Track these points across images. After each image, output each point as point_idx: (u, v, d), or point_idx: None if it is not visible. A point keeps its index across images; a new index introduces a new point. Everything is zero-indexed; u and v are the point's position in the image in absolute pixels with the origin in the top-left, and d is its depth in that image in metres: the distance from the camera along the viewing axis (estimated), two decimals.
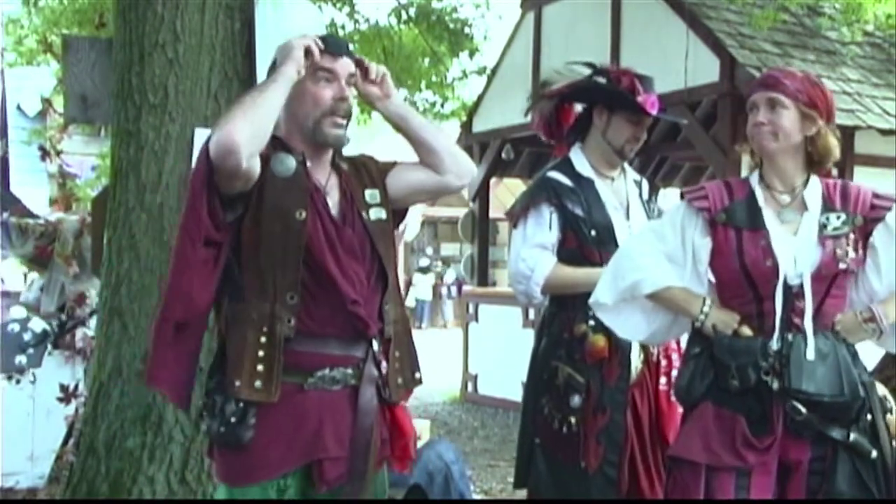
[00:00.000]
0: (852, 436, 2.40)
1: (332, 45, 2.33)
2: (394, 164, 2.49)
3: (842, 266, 2.45)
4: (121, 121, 4.02)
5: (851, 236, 2.48)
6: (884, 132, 7.11)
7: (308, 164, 2.32)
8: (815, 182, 2.56)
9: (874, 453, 2.42)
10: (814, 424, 2.40)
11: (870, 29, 8.18)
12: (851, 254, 2.47)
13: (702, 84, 7.30)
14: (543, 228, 3.06)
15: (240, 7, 4.08)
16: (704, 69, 7.29)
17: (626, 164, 3.25)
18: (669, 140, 8.94)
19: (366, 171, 2.43)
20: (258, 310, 2.22)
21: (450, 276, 21.34)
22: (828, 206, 2.52)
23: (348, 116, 2.34)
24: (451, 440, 6.49)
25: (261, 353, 2.20)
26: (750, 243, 2.46)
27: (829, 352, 2.42)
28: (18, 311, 5.15)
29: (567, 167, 3.15)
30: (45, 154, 5.73)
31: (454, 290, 20.46)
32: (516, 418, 8.02)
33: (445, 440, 5.27)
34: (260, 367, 2.19)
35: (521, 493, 3.31)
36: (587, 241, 3.05)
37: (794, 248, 2.46)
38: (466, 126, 10.17)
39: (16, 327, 4.92)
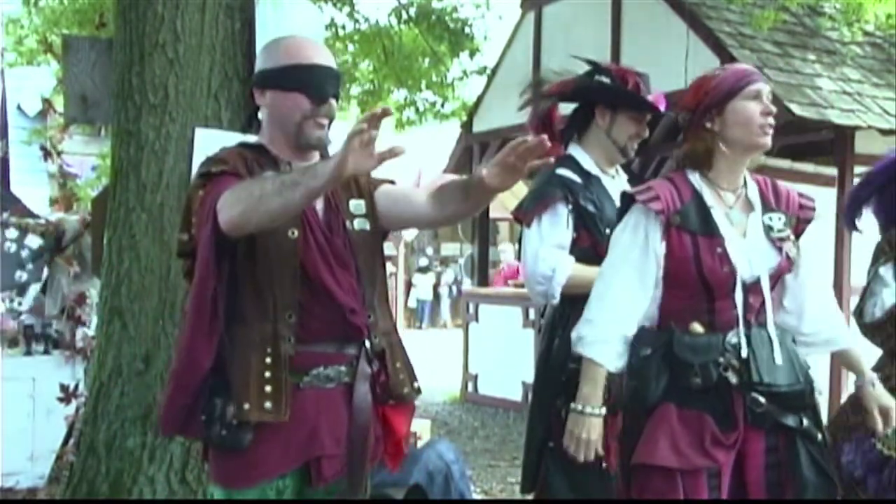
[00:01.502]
0: (804, 422, 2.44)
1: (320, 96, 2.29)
2: (384, 181, 2.42)
3: (794, 268, 2.52)
4: (121, 121, 4.02)
5: (792, 237, 2.52)
6: (884, 132, 7.12)
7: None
8: (751, 181, 2.56)
9: (820, 436, 2.47)
10: (773, 415, 2.41)
11: (870, 29, 8.18)
12: (795, 254, 2.52)
13: None
14: (560, 228, 3.02)
15: (240, 7, 4.08)
16: (704, 69, 7.27)
17: (618, 165, 3.24)
18: (669, 140, 8.92)
19: (354, 181, 2.37)
20: (261, 331, 2.21)
21: (448, 275, 21.34)
22: (767, 205, 2.53)
23: (330, 118, 2.30)
24: (451, 440, 6.48)
25: (267, 375, 2.18)
26: (706, 251, 2.43)
27: (780, 342, 2.47)
28: (11, 232, 5.18)
29: (573, 164, 3.12)
30: (46, 154, 5.73)
31: (454, 289, 20.46)
32: (516, 418, 8.11)
33: (445, 440, 5.28)
34: (268, 388, 2.17)
35: (521, 494, 3.29)
36: (602, 238, 3.00)
37: (747, 251, 2.46)
38: (466, 126, 10.17)
39: (12, 246, 4.95)
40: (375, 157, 1.96)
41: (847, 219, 3.30)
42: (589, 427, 2.47)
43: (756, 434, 2.43)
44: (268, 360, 2.19)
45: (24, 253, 4.95)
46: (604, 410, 2.48)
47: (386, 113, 1.95)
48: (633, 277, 2.46)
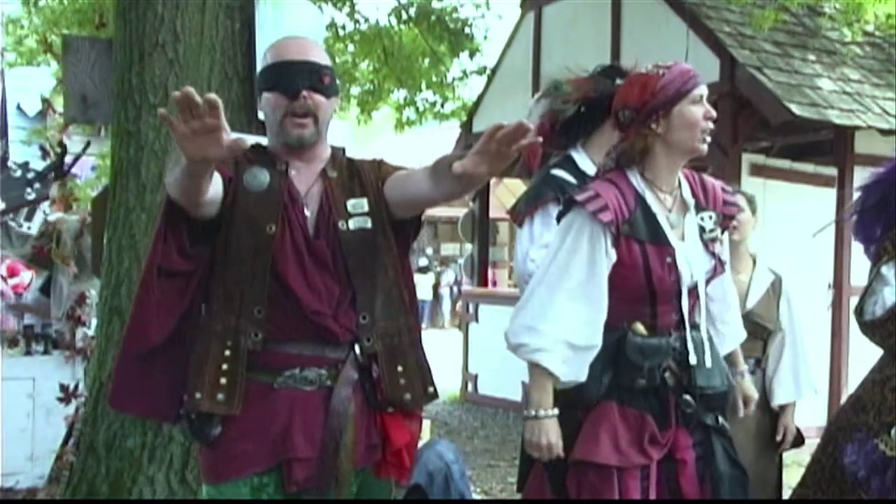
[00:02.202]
0: (720, 420, 2.54)
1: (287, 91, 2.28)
2: (395, 169, 2.38)
3: (724, 269, 2.57)
4: (121, 121, 4.02)
5: (720, 236, 2.56)
6: (884, 132, 7.11)
7: (293, 172, 2.29)
8: (682, 179, 2.57)
9: (729, 430, 2.59)
10: (698, 414, 2.48)
11: (870, 29, 8.17)
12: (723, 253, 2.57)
13: None
14: (551, 228, 3.02)
15: (240, 7, 4.08)
16: (704, 69, 7.24)
17: None
18: None
19: (359, 179, 2.35)
20: (223, 322, 2.21)
21: (448, 276, 21.34)
22: (698, 204, 2.54)
23: (309, 114, 2.27)
24: (451, 440, 6.48)
25: (224, 367, 2.19)
26: (656, 260, 2.44)
27: (709, 345, 2.54)
28: (18, 157, 5.25)
29: (571, 165, 3.12)
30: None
31: (454, 289, 20.46)
32: (516, 418, 8.11)
33: (445, 440, 5.27)
34: (223, 381, 2.18)
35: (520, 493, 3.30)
36: None
37: (687, 255, 2.48)
38: (466, 126, 10.17)
39: (18, 171, 5.01)
40: (224, 145, 1.89)
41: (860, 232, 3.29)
42: (547, 430, 2.41)
43: (684, 432, 2.49)
44: (227, 352, 2.19)
45: (30, 175, 5.03)
46: (556, 412, 2.44)
47: (187, 98, 1.81)
48: (578, 292, 2.40)
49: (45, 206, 5.46)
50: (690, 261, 2.48)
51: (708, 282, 2.55)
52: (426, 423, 5.30)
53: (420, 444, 4.75)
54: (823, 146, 7.64)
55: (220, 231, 2.23)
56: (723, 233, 2.59)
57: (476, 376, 9.70)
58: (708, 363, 2.49)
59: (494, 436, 7.92)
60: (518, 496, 3.12)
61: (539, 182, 3.14)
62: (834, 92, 7.26)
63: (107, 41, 4.46)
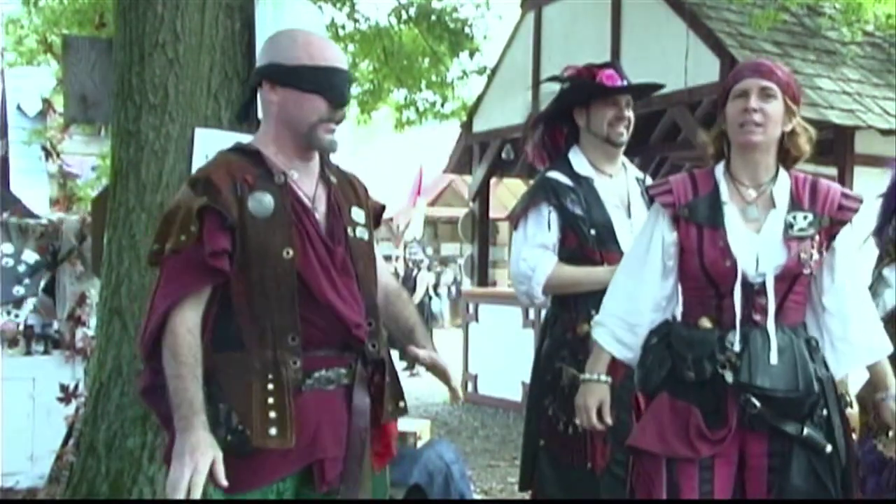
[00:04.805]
0: (806, 430, 2.39)
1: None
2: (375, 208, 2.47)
3: (805, 271, 2.45)
4: (121, 121, 4.02)
5: (817, 238, 2.47)
6: (884, 132, 7.12)
7: (294, 175, 2.25)
8: (785, 178, 2.53)
9: (829, 448, 2.40)
10: (768, 419, 2.39)
11: (870, 29, 8.18)
12: (815, 256, 2.46)
13: (702, 84, 7.30)
14: (543, 228, 3.08)
15: (240, 7, 4.08)
16: (704, 69, 7.29)
17: (626, 161, 3.26)
18: (669, 140, 8.94)
19: (352, 189, 2.38)
20: (260, 358, 2.15)
21: (448, 276, 21.32)
22: (796, 204, 2.49)
23: (341, 122, 2.29)
24: (451, 440, 6.49)
25: (271, 401, 2.13)
26: (709, 242, 2.45)
27: (785, 347, 2.41)
28: (8, 247, 5.21)
29: (566, 167, 3.17)
30: (47, 154, 5.74)
31: (454, 290, 20.45)
32: (516, 418, 8.12)
33: (445, 440, 5.28)
34: (273, 415, 2.13)
35: (521, 493, 3.30)
36: (587, 240, 3.06)
37: (757, 247, 2.44)
38: (466, 126, 10.17)
39: (9, 261, 5.00)
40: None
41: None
42: (585, 392, 2.59)
43: (757, 436, 2.42)
44: (270, 386, 2.14)
45: (21, 268, 5.00)
46: (605, 378, 2.58)
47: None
48: (635, 266, 2.57)
49: (32, 301, 5.39)
50: (760, 253, 2.43)
51: (789, 279, 2.44)
52: (426, 423, 5.31)
53: (420, 444, 4.76)
54: (823, 146, 7.63)
55: (235, 264, 2.16)
56: (832, 238, 2.49)
57: (476, 376, 9.70)
58: (773, 360, 2.37)
59: (494, 436, 7.92)
60: (518, 496, 3.13)
61: (534, 184, 3.24)
62: (834, 92, 7.27)
63: (107, 41, 4.45)
